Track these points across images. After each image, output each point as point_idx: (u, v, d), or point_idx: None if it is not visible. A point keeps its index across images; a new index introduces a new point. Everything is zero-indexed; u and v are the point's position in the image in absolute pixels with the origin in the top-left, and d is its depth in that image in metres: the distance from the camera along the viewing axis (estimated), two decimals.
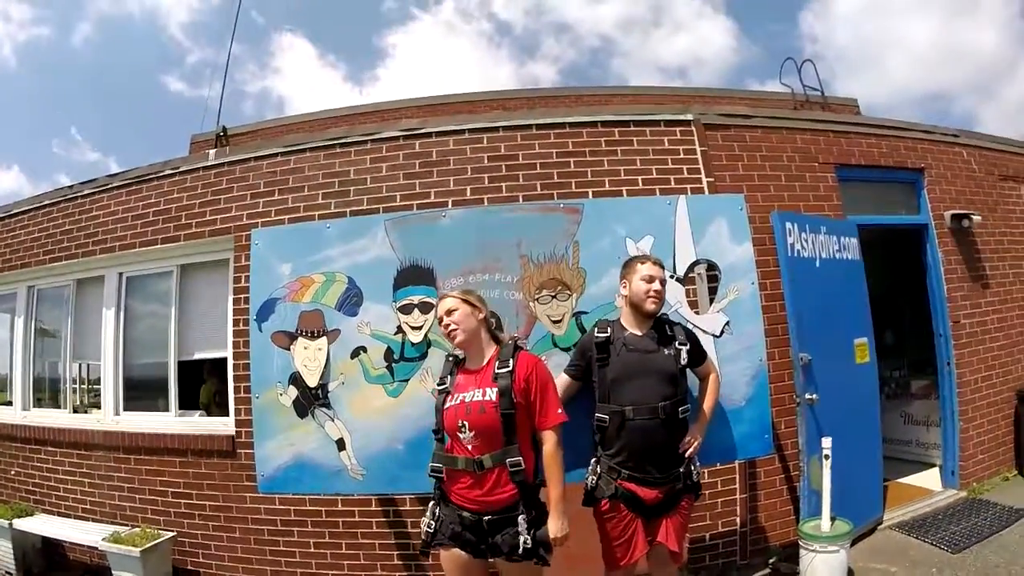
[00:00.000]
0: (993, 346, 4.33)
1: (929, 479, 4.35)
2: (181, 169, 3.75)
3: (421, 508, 3.08)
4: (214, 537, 3.48)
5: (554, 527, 1.97)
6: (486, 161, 3.36)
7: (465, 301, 2.10)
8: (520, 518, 1.93)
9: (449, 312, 2.06)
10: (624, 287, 2.28)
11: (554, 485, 1.99)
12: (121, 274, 4.01)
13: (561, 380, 2.26)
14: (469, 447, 1.95)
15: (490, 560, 2.02)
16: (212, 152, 3.68)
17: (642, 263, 2.25)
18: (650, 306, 2.20)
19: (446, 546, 1.99)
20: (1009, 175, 4.81)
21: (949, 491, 4.08)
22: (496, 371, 2.01)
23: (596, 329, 2.27)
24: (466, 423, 1.95)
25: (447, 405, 2.02)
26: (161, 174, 3.80)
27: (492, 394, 1.97)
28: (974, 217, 4.19)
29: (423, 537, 2.03)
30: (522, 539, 1.91)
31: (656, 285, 2.20)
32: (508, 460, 1.93)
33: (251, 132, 6.41)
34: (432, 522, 2.01)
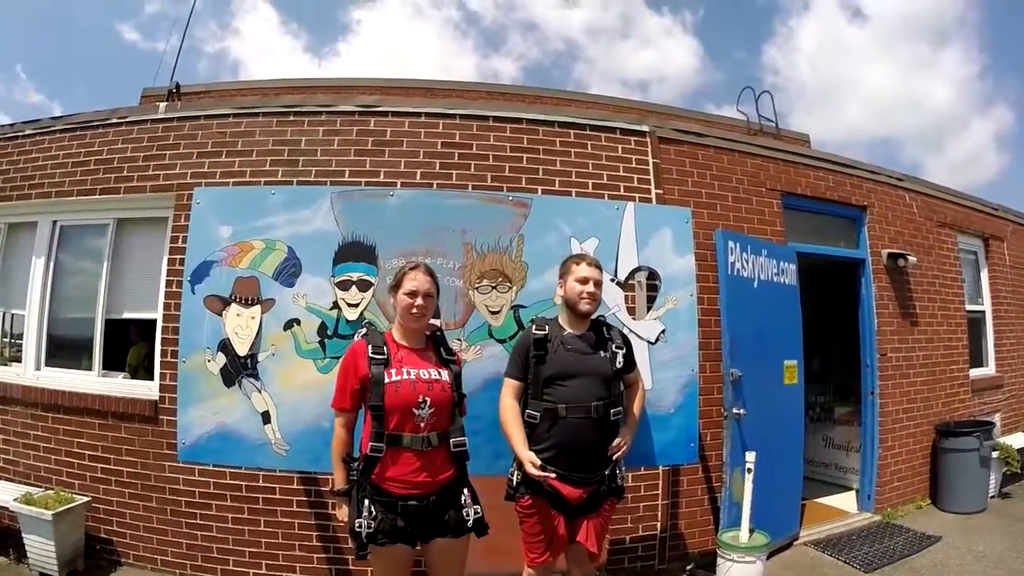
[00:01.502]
0: (917, 380, 4.57)
1: (846, 501, 4.55)
2: (128, 119, 3.59)
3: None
4: (130, 505, 3.35)
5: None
6: (439, 147, 3.33)
7: (437, 287, 2.09)
8: (464, 490, 2.02)
9: (428, 296, 2.02)
10: (561, 287, 2.29)
11: None
12: (55, 222, 3.81)
13: (509, 386, 2.23)
14: (422, 424, 1.93)
15: (418, 549, 2.00)
16: (163, 106, 3.54)
17: (577, 263, 2.26)
18: (584, 307, 2.22)
19: (387, 545, 1.91)
20: (947, 222, 5.10)
21: (864, 514, 4.28)
22: (445, 356, 2.08)
23: (534, 326, 2.27)
24: (428, 399, 1.93)
25: (394, 378, 1.93)
26: (108, 122, 3.62)
27: (445, 375, 2.02)
28: (910, 258, 4.42)
29: (361, 539, 1.88)
30: (470, 512, 1.99)
31: (590, 287, 2.21)
32: (453, 440, 1.99)
33: (204, 92, 6.16)
34: (371, 522, 1.88)
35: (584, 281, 2.21)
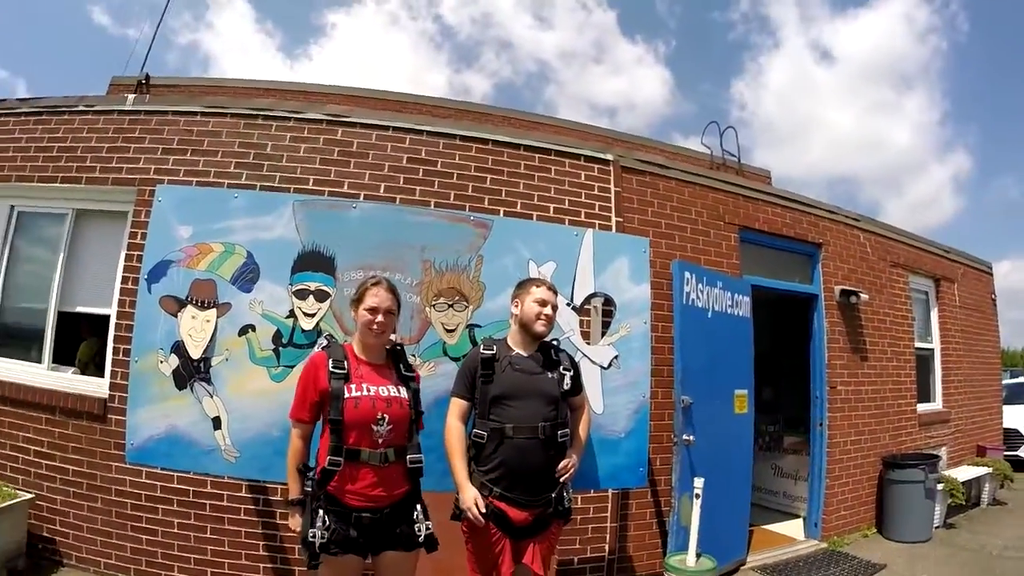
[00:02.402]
0: (865, 413, 4.73)
1: (793, 528, 4.66)
2: (96, 108, 3.53)
3: None
4: (74, 504, 3.25)
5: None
6: (405, 162, 3.36)
7: (398, 304, 2.10)
8: (417, 506, 2.03)
9: (389, 313, 2.03)
10: (516, 307, 2.31)
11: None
12: (13, 207, 3.71)
13: (456, 406, 2.22)
14: (380, 440, 1.94)
15: (368, 562, 2.00)
16: (131, 97, 3.50)
17: (537, 286, 2.29)
18: (539, 328, 2.24)
19: (338, 555, 1.91)
20: (900, 262, 5.32)
21: (811, 541, 4.39)
22: (404, 373, 2.09)
23: (482, 346, 2.28)
24: (387, 416, 1.95)
25: (353, 394, 1.95)
26: (74, 109, 3.56)
27: (404, 392, 2.03)
28: (862, 295, 4.60)
29: (312, 549, 1.88)
30: (421, 527, 2.00)
31: (548, 310, 2.24)
32: (409, 456, 2.01)
33: (174, 86, 6.11)
34: (324, 532, 1.89)
35: (543, 303, 2.24)
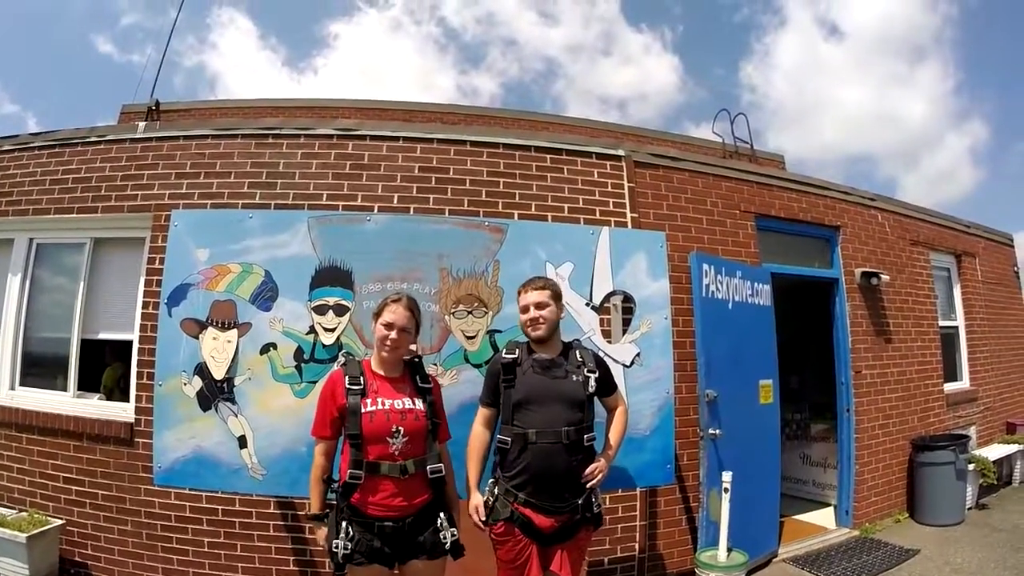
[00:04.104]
0: (892, 396, 4.65)
1: (824, 517, 4.60)
2: (108, 138, 3.58)
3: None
4: (105, 528, 3.30)
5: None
6: (417, 171, 3.37)
7: (416, 322, 2.10)
8: (441, 515, 2.04)
9: (403, 331, 2.04)
10: (519, 322, 2.31)
11: (453, 487, 2.20)
12: (32, 240, 3.77)
13: (480, 414, 2.23)
14: (396, 453, 1.95)
15: (395, 572, 2.02)
16: (142, 125, 3.54)
17: (519, 294, 2.27)
18: (532, 334, 2.20)
19: (364, 565, 1.95)
20: (919, 240, 5.23)
21: (843, 529, 4.33)
22: (420, 385, 2.10)
23: (504, 351, 2.26)
24: (401, 428, 1.96)
25: (369, 408, 1.97)
26: (86, 140, 3.62)
27: (420, 404, 2.04)
28: (883, 276, 4.52)
29: (338, 560, 1.93)
30: (445, 535, 2.01)
31: (532, 312, 2.18)
32: (429, 467, 2.02)
33: (184, 110, 6.27)
34: (348, 543, 1.92)
35: (525, 310, 2.21)
